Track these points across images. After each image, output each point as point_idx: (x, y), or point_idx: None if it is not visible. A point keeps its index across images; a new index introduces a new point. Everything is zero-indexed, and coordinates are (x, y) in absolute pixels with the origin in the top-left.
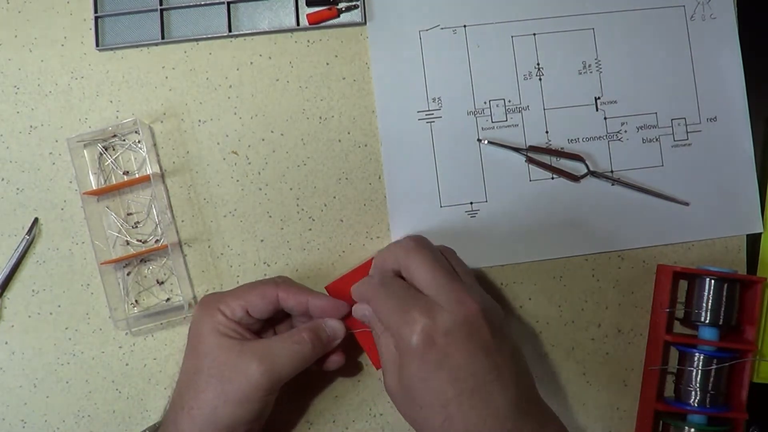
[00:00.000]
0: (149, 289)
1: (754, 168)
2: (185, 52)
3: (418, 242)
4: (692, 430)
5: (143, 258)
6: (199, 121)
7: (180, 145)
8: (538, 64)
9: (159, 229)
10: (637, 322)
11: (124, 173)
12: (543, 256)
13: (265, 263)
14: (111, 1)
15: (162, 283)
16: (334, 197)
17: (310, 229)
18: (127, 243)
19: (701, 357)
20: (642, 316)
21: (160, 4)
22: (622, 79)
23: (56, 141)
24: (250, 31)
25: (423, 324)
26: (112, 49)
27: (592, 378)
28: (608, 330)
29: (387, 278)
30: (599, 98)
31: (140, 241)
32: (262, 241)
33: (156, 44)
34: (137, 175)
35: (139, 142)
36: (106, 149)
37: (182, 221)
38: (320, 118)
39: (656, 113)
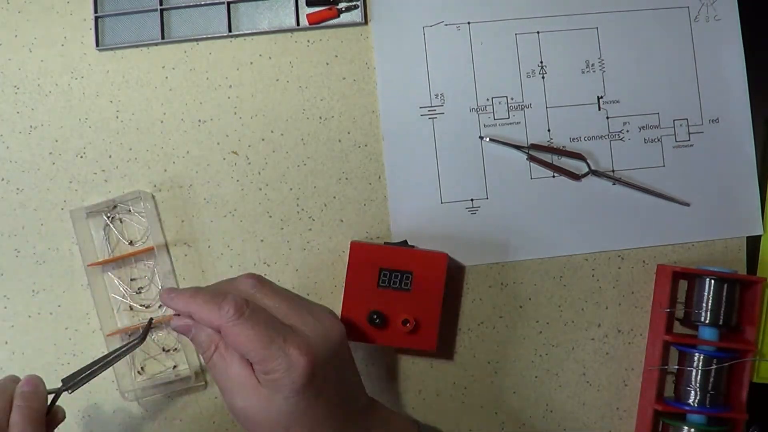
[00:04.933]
0: (155, 356)
1: (756, 170)
2: (185, 52)
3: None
4: (692, 430)
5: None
6: (199, 121)
7: (180, 145)
8: (542, 62)
9: None
10: (637, 322)
11: (129, 242)
12: (543, 254)
13: (265, 263)
14: (111, 1)
15: (168, 351)
16: (334, 197)
17: (310, 229)
18: (131, 308)
19: (701, 357)
20: (642, 316)
21: (160, 4)
22: (625, 78)
23: (56, 141)
24: (250, 31)
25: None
26: (112, 49)
27: (592, 378)
28: (608, 330)
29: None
30: (602, 97)
31: (144, 306)
32: (262, 241)
33: (156, 44)
34: (142, 246)
35: (142, 211)
36: (111, 219)
37: (182, 221)
38: (320, 118)
39: (658, 113)
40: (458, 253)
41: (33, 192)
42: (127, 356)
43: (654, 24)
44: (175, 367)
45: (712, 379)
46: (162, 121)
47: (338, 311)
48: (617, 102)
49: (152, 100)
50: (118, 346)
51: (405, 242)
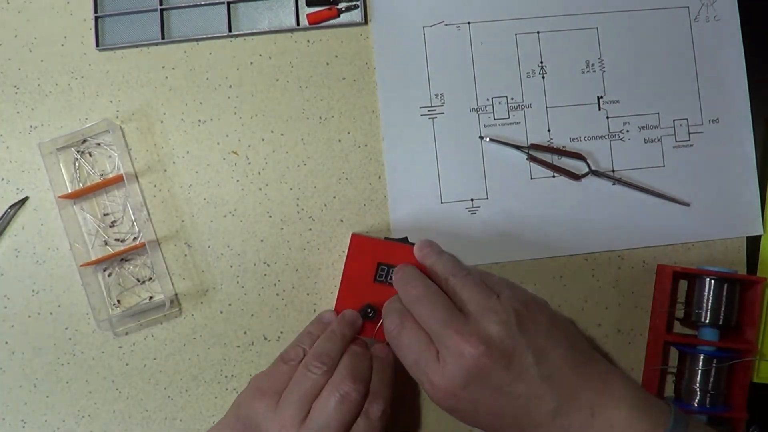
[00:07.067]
0: (131, 288)
1: (756, 170)
2: (185, 52)
3: (411, 293)
4: None
5: (123, 258)
6: (199, 121)
7: (180, 145)
8: (542, 62)
9: (135, 227)
10: (637, 322)
11: (100, 175)
12: (543, 254)
13: (265, 263)
14: (111, 1)
15: (143, 282)
16: (334, 197)
17: (310, 229)
18: (105, 243)
19: (701, 357)
20: (642, 316)
21: (160, 4)
22: (625, 78)
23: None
24: (250, 31)
25: (435, 388)
26: (112, 49)
27: None
28: (608, 330)
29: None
30: (602, 97)
31: (118, 239)
32: (262, 241)
33: (156, 44)
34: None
35: (111, 143)
36: (81, 153)
37: (182, 221)
38: (320, 118)
39: (658, 113)
40: (458, 253)
41: (33, 191)
42: (103, 289)
43: (654, 24)
44: (151, 298)
45: (712, 379)
46: (162, 122)
47: (333, 303)
48: (617, 102)
49: (152, 100)
50: (91, 278)
51: (406, 239)
